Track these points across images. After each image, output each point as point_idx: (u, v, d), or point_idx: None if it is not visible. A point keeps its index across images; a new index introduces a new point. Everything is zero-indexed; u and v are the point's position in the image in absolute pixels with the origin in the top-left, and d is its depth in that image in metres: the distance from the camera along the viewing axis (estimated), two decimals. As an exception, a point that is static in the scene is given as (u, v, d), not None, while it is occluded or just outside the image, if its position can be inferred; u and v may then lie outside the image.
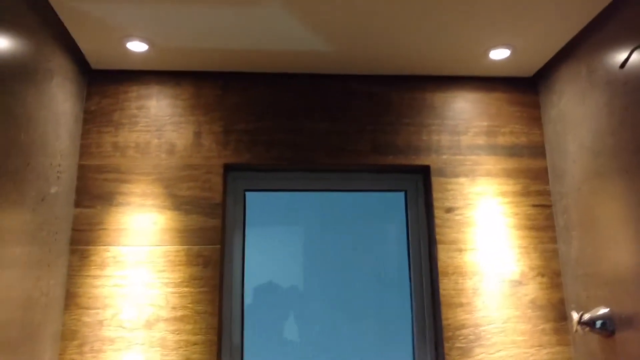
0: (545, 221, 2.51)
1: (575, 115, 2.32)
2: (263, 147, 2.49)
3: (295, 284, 2.56)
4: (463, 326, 2.34)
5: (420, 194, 2.61)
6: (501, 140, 2.60)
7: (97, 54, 2.36)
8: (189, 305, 2.27)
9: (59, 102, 2.15)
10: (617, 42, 2.00)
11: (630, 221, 1.92)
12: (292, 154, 2.49)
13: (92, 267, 2.28)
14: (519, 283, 2.42)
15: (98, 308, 2.25)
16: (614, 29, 2.02)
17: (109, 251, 2.30)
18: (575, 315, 2.12)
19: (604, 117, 2.09)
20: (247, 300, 2.48)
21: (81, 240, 2.31)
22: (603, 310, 2.08)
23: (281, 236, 2.61)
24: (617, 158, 2.01)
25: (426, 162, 2.54)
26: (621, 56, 1.95)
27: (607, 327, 2.05)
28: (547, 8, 2.06)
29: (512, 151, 2.59)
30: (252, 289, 2.51)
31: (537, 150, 2.60)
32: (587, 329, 2.10)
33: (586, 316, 2.10)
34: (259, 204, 2.59)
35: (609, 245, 2.07)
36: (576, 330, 2.10)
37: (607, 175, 2.08)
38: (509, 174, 2.55)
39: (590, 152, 2.20)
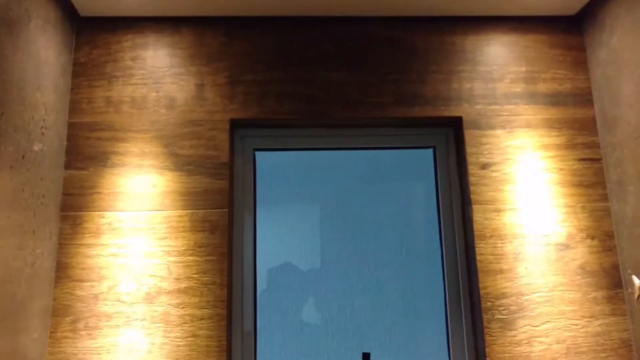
0: (594, 177, 2.21)
1: (631, 52, 2.01)
2: (274, 100, 2.21)
3: (313, 263, 2.29)
4: (504, 295, 2.07)
5: (451, 149, 2.32)
6: (542, 87, 2.30)
7: (84, -4, 2.10)
8: (194, 275, 2.03)
9: (40, 49, 1.89)
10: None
11: None
12: (305, 107, 2.21)
13: (86, 235, 2.04)
14: (566, 246, 2.14)
15: (93, 280, 2.01)
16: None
17: (104, 217, 2.06)
18: (637, 281, 1.83)
19: (671, 48, 1.78)
20: (262, 284, 2.23)
21: (73, 206, 2.06)
22: (670, 273, 1.79)
23: (297, 209, 2.34)
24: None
25: (457, 114, 2.25)
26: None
27: (676, 293, 1.76)
28: None
29: (554, 99, 2.28)
30: (266, 270, 2.25)
31: (584, 97, 2.29)
32: (651, 295, 1.81)
33: (650, 280, 1.81)
34: (271, 171, 2.33)
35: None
36: (638, 297, 1.82)
37: (674, 116, 1.78)
38: (551, 124, 2.26)
39: (652, 92, 1.89)
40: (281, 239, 2.28)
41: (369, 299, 2.25)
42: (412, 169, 2.39)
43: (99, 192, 2.08)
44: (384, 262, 2.29)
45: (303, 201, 2.33)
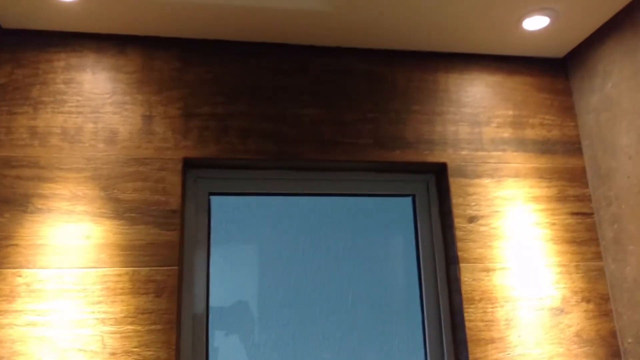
0: (587, 233, 2.03)
1: (630, 100, 1.85)
2: (235, 137, 1.90)
3: (271, 316, 1.96)
4: (497, 369, 1.82)
5: (433, 199, 2.08)
6: (530, 133, 2.11)
7: (6, 4, 1.72)
8: (134, 349, 1.65)
9: (-53, 64, 1.50)
10: None
11: None
12: (272, 146, 1.91)
13: (-4, 300, 1.63)
14: (561, 311, 1.92)
15: (2, 358, 1.59)
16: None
17: (20, 276, 1.65)
18: (649, 356, 1.63)
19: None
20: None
21: (-20, 262, 1.64)
22: (687, 349, 1.60)
23: (253, 252, 2.01)
24: None
25: (442, 159, 2.01)
26: None
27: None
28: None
29: (543, 147, 2.10)
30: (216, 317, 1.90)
31: (573, 146, 2.13)
32: (666, 373, 1.61)
33: (665, 357, 1.61)
34: (226, 210, 2.00)
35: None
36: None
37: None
38: (541, 174, 2.06)
39: (660, 145, 1.73)
40: (231, 282, 1.94)
41: (340, 371, 1.94)
42: (389, 218, 2.12)
43: (15, 245, 1.67)
44: (357, 321, 1.99)
45: (257, 250, 2.00)
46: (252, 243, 2.01)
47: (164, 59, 1.94)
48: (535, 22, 1.94)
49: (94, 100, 1.85)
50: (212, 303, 1.88)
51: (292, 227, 2.04)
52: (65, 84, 1.85)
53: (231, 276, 1.96)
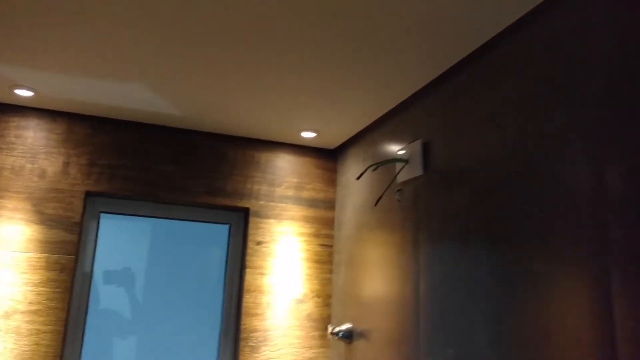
0: (327, 257, 3.47)
1: (353, 186, 3.30)
2: (120, 181, 3.16)
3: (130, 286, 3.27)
4: (255, 330, 3.22)
5: (240, 228, 3.45)
6: (305, 194, 3.52)
7: (-14, 91, 2.89)
8: (43, 301, 2.90)
9: (-49, 133, 2.66)
10: (383, 144, 2.99)
11: (378, 263, 2.91)
12: (142, 188, 3.19)
13: (-37, 266, 2.82)
14: (302, 301, 3.35)
15: (-35, 299, 2.79)
16: (384, 132, 3.01)
17: (-22, 253, 2.85)
18: (329, 328, 3.08)
19: (365, 194, 3.08)
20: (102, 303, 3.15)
21: (-45, 243, 2.83)
22: (347, 325, 3.06)
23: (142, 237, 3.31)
24: (373, 223, 3.00)
25: (247, 205, 3.38)
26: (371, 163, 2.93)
27: (347, 337, 3.03)
28: (345, 105, 3.00)
29: (312, 203, 3.51)
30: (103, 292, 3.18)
31: (330, 204, 3.56)
32: (336, 337, 3.07)
33: (336, 329, 3.07)
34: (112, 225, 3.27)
35: (361, 278, 3.05)
36: (329, 338, 3.06)
37: (367, 230, 3.07)
38: (307, 219, 3.48)
39: (359, 212, 3.18)
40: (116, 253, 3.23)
41: (169, 330, 3.28)
42: (215, 238, 3.47)
43: (-23, 235, 2.87)
44: (183, 302, 3.33)
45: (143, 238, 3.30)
46: (139, 239, 3.29)
47: (80, 127, 3.16)
48: (309, 134, 3.33)
49: (34, 149, 3.05)
50: (106, 267, 3.15)
51: (157, 238, 3.34)
52: (15, 137, 3.03)
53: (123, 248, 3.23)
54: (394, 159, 2.61)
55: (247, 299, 3.25)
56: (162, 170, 3.26)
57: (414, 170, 2.54)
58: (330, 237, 3.51)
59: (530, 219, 1.79)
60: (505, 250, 1.89)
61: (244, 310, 3.23)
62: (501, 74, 2.03)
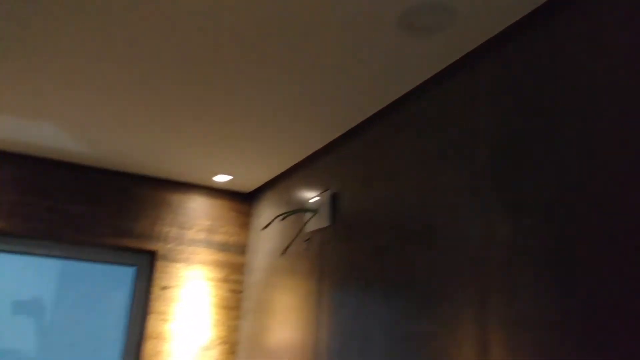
0: (235, 303, 3.40)
1: (265, 233, 3.28)
2: (20, 219, 2.99)
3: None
4: (156, 379, 3.09)
5: (145, 271, 3.33)
6: (217, 237, 3.46)
7: None
8: None
9: None
10: (297, 190, 3.01)
11: (284, 310, 2.88)
12: (44, 227, 3.03)
13: None
14: (207, 348, 3.26)
15: None
16: (298, 180, 3.03)
17: None
18: (233, 378, 3.00)
19: (276, 241, 3.07)
20: None
21: None
22: (251, 375, 3.00)
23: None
24: (282, 270, 2.98)
25: (155, 248, 3.28)
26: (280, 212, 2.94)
27: (251, 388, 2.96)
28: (260, 152, 2.99)
29: (223, 247, 3.46)
30: None
31: (242, 249, 3.51)
32: (239, 388, 2.99)
33: (239, 379, 3.00)
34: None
35: (268, 325, 3.00)
36: (231, 388, 2.97)
37: (276, 277, 3.04)
38: (217, 264, 3.41)
39: (269, 258, 3.15)
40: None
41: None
42: (124, 281, 3.33)
43: None
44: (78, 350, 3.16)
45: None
46: (48, 274, 3.10)
47: (-23, 159, 2.98)
48: (224, 177, 3.30)
49: None
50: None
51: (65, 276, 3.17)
52: None
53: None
54: (302, 209, 2.62)
55: (148, 346, 3.12)
56: (70, 210, 3.11)
57: (322, 221, 2.56)
58: (240, 282, 3.46)
59: (421, 278, 1.84)
60: (398, 307, 1.93)
61: (144, 358, 3.09)
62: (404, 132, 2.11)
